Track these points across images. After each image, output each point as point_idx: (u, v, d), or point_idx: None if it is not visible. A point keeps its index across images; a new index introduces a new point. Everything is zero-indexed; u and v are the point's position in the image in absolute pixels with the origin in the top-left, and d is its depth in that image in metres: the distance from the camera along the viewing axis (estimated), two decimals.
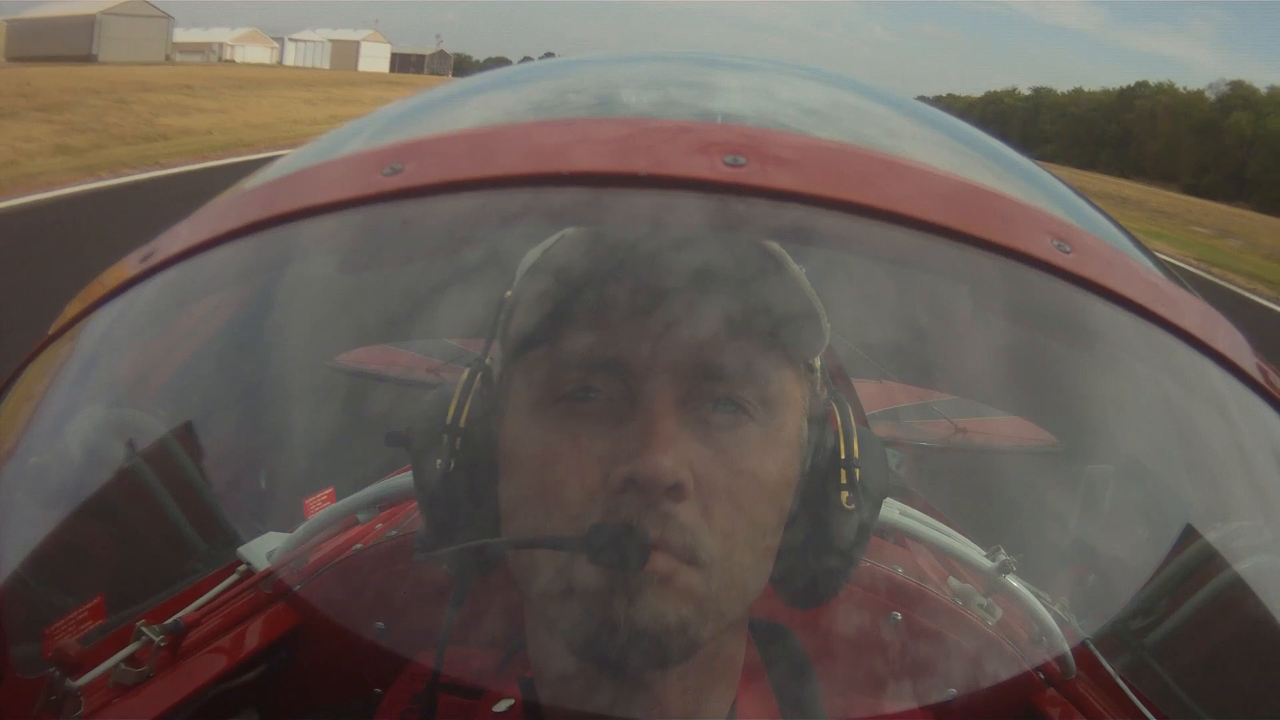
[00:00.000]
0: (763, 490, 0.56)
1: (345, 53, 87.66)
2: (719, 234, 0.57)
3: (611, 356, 0.55)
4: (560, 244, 0.59)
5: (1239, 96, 70.69)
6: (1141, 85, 78.80)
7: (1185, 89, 75.45)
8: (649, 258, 0.55)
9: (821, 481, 0.61)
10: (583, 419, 0.55)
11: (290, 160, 0.67)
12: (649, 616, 0.51)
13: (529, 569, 0.56)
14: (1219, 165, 66.28)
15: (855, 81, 0.90)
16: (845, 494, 0.61)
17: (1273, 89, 70.49)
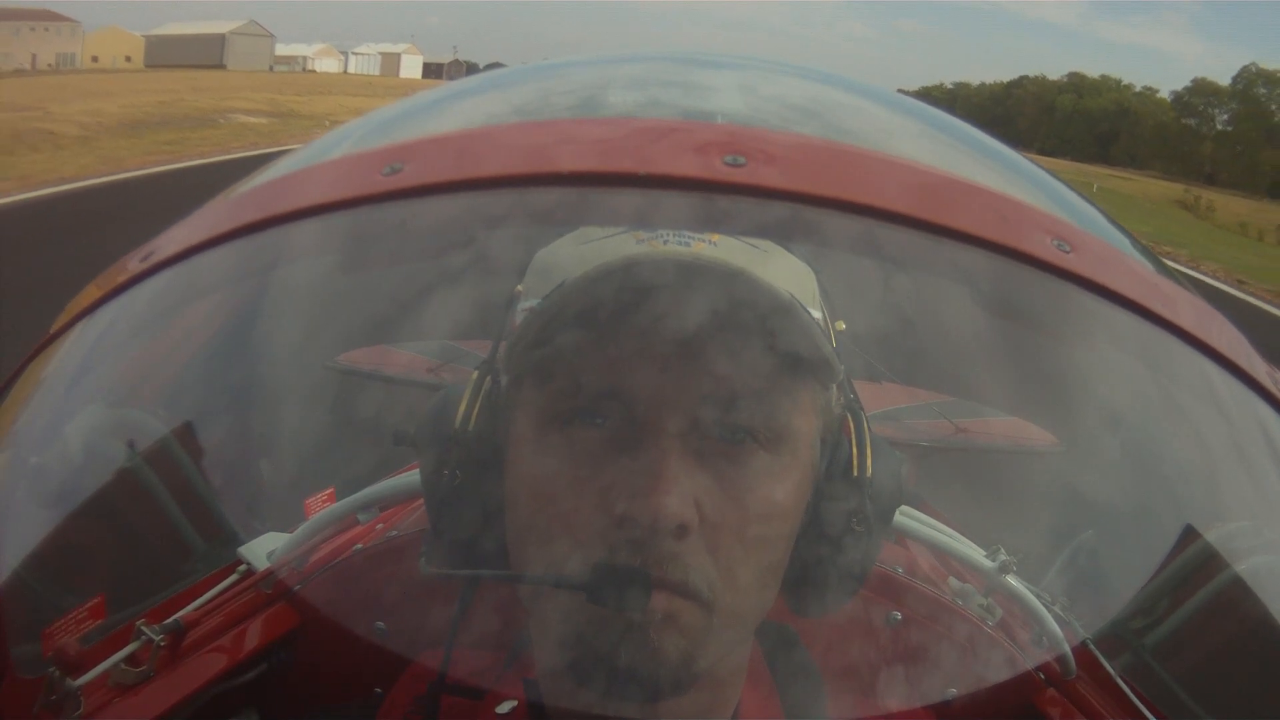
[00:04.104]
0: (771, 519, 0.55)
1: (390, 63, 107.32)
2: (718, 233, 0.57)
3: (618, 386, 0.54)
4: (569, 257, 0.58)
5: (1072, 84, 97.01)
6: (1022, 78, 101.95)
7: (1047, 78, 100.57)
8: (657, 286, 0.54)
9: (834, 501, 0.60)
10: (588, 446, 0.54)
11: (289, 161, 0.67)
12: (648, 654, 0.51)
13: (533, 590, 0.56)
14: (1054, 134, 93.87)
15: (849, 80, 0.90)
16: (856, 517, 0.59)
17: (1104, 76, 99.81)
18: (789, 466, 0.56)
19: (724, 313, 0.53)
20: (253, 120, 21.73)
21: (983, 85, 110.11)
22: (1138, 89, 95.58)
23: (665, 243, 0.56)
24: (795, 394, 0.57)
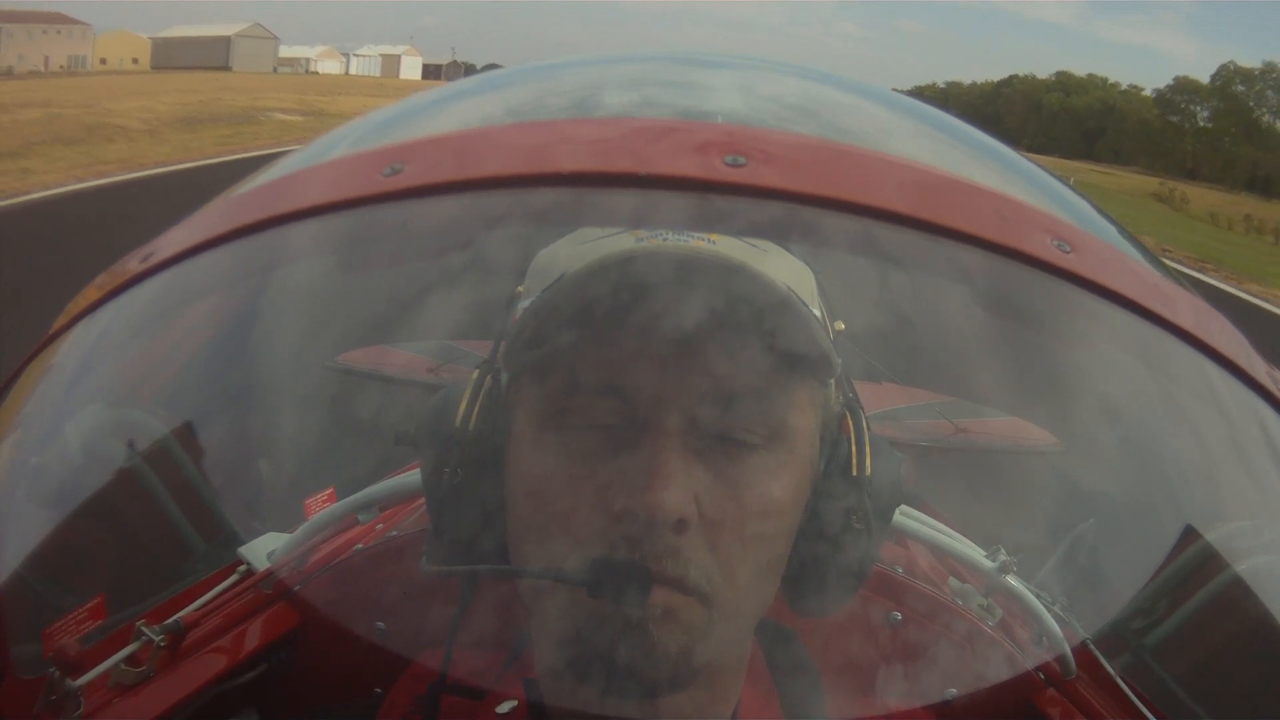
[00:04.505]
0: (770, 517, 0.55)
1: (390, 65, 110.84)
2: (717, 232, 0.57)
3: (616, 382, 0.54)
4: (569, 256, 0.58)
5: (1059, 83, 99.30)
6: (1012, 76, 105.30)
7: (1036, 77, 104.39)
8: (658, 285, 0.54)
9: (833, 499, 0.60)
10: (588, 443, 0.54)
11: (289, 161, 0.67)
12: (648, 649, 0.52)
13: (533, 587, 0.57)
14: (1042, 132, 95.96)
15: (848, 79, 0.90)
16: (855, 515, 0.59)
17: (1091, 75, 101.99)
18: (787, 463, 0.56)
19: (723, 308, 0.53)
20: (289, 118, 23.96)
21: (974, 84, 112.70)
22: (1123, 87, 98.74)
23: (665, 241, 0.56)
24: (793, 390, 0.57)
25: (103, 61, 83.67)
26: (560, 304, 0.55)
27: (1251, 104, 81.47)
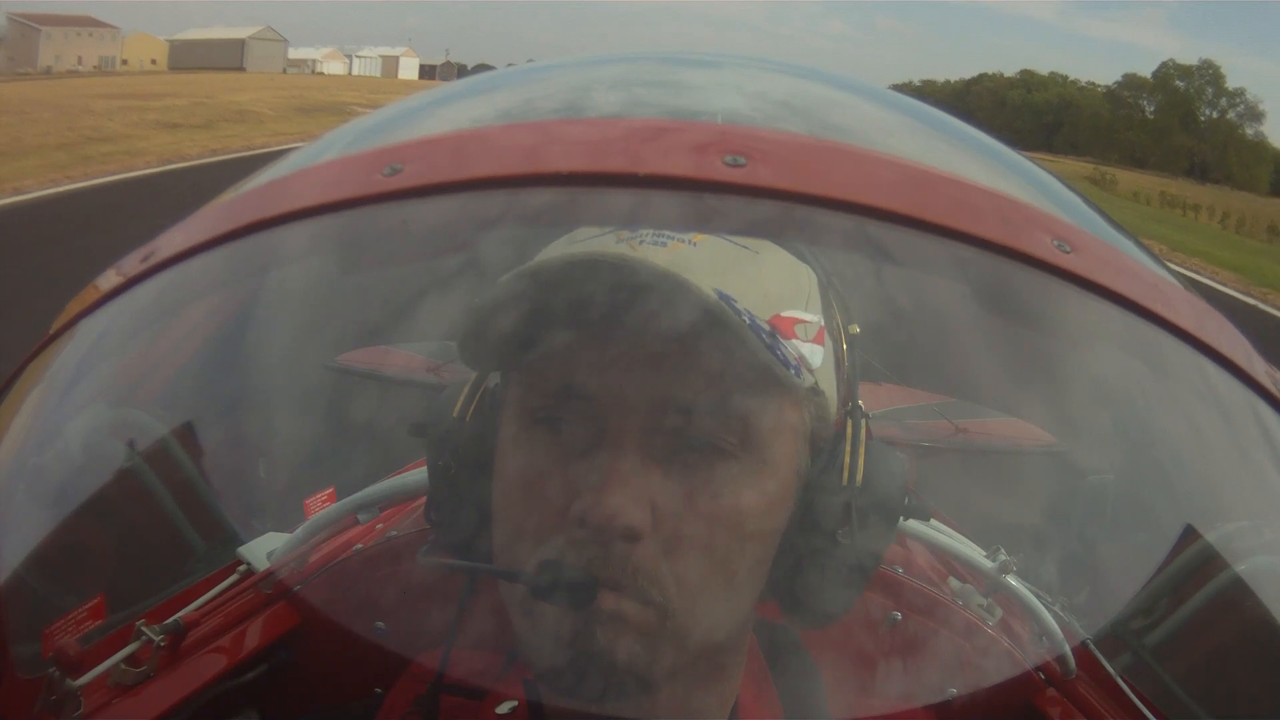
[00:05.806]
0: (735, 525, 0.54)
1: (390, 65, 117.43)
2: (705, 232, 0.56)
3: (579, 386, 0.53)
4: (535, 262, 0.57)
5: (1023, 80, 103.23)
6: (981, 75, 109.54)
7: (1004, 75, 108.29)
8: (592, 292, 0.53)
9: (825, 511, 0.58)
10: (552, 445, 0.54)
11: (289, 161, 0.67)
12: (596, 653, 0.51)
13: (507, 587, 0.56)
14: (1006, 126, 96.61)
15: (845, 77, 0.90)
16: (849, 528, 0.58)
17: (1053, 73, 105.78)
18: (758, 472, 0.55)
19: (654, 315, 0.52)
20: (363, 110, 27.43)
21: (947, 83, 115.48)
22: (1082, 83, 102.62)
23: (642, 243, 0.55)
24: (775, 399, 0.55)
25: (124, 62, 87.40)
26: (498, 307, 0.54)
27: (1192, 96, 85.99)
